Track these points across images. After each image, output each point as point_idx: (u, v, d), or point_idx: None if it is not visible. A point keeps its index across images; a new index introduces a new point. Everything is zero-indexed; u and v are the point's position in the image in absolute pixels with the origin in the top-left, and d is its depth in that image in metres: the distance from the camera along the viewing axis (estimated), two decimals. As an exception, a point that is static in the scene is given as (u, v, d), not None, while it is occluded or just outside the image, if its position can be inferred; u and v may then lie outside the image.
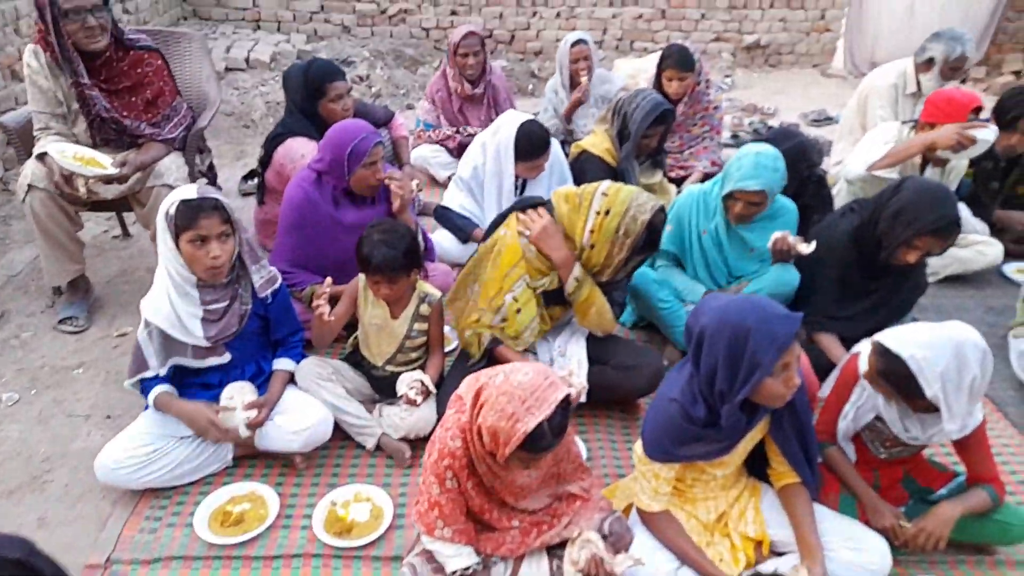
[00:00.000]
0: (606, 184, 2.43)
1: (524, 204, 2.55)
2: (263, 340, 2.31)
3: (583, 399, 2.52)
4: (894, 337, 1.90)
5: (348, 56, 6.09)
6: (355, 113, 3.63)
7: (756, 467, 2.13)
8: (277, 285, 2.23)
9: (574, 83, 4.46)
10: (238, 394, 2.17)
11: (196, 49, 3.35)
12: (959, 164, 3.60)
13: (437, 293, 2.54)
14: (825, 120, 6.04)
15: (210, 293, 2.11)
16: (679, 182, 4.32)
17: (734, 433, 1.90)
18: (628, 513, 2.09)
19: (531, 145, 3.22)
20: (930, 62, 4.31)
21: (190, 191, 2.01)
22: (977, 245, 3.62)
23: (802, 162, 3.31)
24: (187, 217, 2.00)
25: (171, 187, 2.74)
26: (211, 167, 3.36)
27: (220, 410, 2.15)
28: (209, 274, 2.07)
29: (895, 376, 1.89)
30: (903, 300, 2.89)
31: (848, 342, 2.64)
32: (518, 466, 1.77)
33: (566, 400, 1.71)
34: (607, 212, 2.36)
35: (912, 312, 3.37)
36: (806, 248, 2.77)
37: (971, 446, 2.05)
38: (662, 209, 2.39)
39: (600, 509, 1.97)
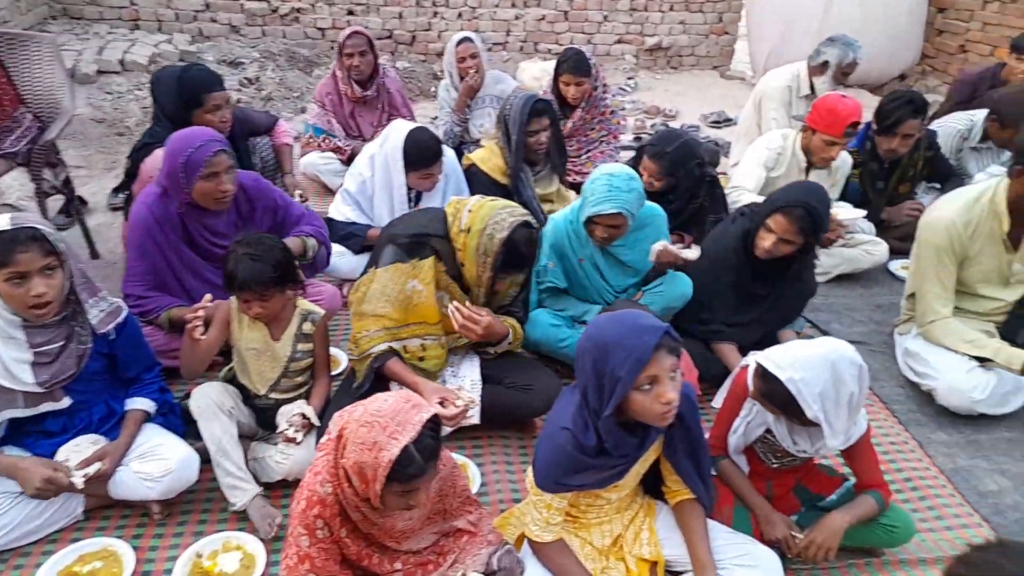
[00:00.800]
0: (474, 200, 2.34)
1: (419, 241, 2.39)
2: (111, 379, 2.06)
3: (476, 420, 2.42)
4: (773, 359, 1.91)
5: (237, 57, 5.78)
6: (234, 120, 3.40)
7: (651, 484, 2.08)
8: (121, 318, 2.00)
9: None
10: (74, 455, 1.93)
11: (46, 53, 3.04)
12: (843, 166, 3.69)
13: (320, 311, 2.37)
14: (724, 122, 6.17)
15: (40, 334, 1.86)
16: (578, 187, 4.29)
17: (625, 458, 1.83)
18: (521, 542, 2.00)
19: (420, 153, 3.08)
20: (824, 65, 4.44)
21: (2, 221, 1.76)
22: (864, 245, 3.72)
23: (690, 160, 3.31)
24: (0, 252, 1.75)
25: (15, 208, 2.45)
26: (67, 182, 3.05)
27: (56, 468, 1.91)
28: (33, 314, 1.83)
29: (777, 397, 1.90)
30: (794, 303, 2.93)
31: (745, 349, 2.65)
32: (396, 504, 1.64)
33: (434, 420, 1.61)
34: (468, 230, 2.28)
35: (805, 313, 3.45)
36: (691, 254, 2.76)
37: (857, 455, 2.07)
38: (526, 224, 2.30)
39: (488, 543, 1.87)
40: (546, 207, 3.47)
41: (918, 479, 2.49)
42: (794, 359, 1.89)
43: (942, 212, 2.86)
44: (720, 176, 3.69)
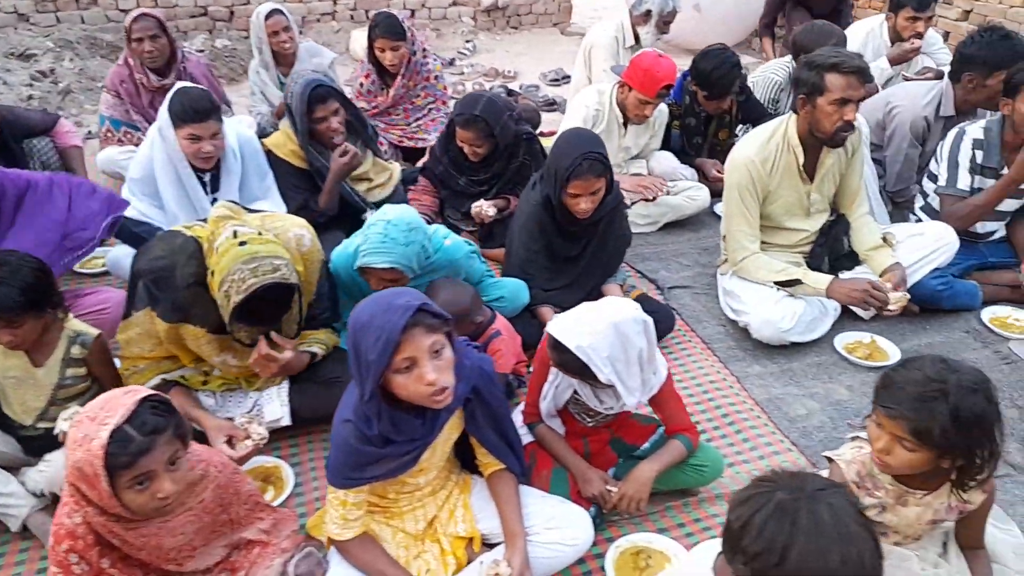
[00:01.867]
0: (224, 235, 2.00)
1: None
2: None
3: (286, 421, 2.29)
4: (560, 329, 1.91)
5: (27, 49, 5.19)
6: (2, 123, 3.03)
7: (468, 459, 2.04)
8: None
9: (278, 59, 4.12)
10: None
11: None
12: (661, 116, 3.75)
13: (93, 332, 2.15)
14: (564, 79, 6.16)
15: None
16: (409, 152, 4.22)
17: (415, 443, 1.76)
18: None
19: (185, 105, 2.68)
20: (647, 15, 4.47)
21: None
22: (686, 191, 3.81)
23: (503, 114, 3.24)
24: None
25: None
26: None
27: None
28: None
29: (570, 365, 1.91)
30: (611, 257, 2.95)
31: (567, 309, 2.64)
32: (141, 504, 1.46)
33: (155, 399, 1.50)
34: (213, 272, 2.01)
35: (634, 263, 3.50)
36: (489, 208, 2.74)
37: (661, 403, 2.11)
38: (274, 286, 1.96)
39: (282, 551, 1.76)
40: (362, 187, 3.31)
41: (735, 414, 2.58)
42: (581, 326, 1.90)
43: (741, 151, 2.94)
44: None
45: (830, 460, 1.78)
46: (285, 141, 3.11)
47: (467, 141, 3.27)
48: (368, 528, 1.84)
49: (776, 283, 2.89)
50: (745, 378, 2.76)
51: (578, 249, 2.84)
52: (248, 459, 2.09)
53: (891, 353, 2.85)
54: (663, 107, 3.76)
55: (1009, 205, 3.10)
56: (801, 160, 2.89)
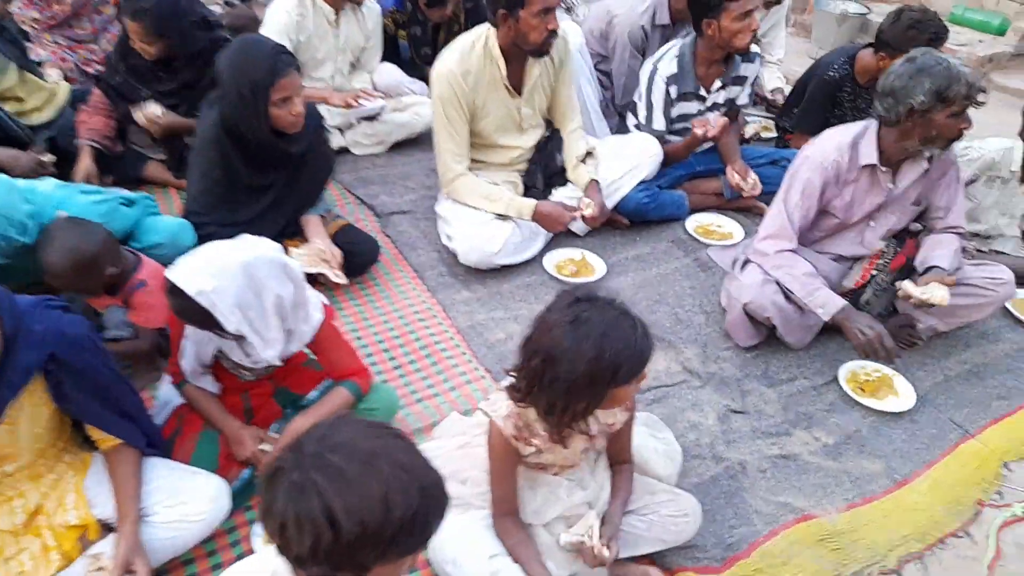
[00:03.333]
0: None
1: None
2: None
3: None
4: (181, 271, 1.63)
5: None
6: None
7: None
8: None
9: None
10: None
11: None
12: (371, 14, 3.44)
13: None
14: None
15: None
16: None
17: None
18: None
19: None
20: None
21: None
22: (414, 107, 3.57)
23: (182, 19, 2.78)
24: None
25: None
26: None
27: None
28: None
29: (192, 314, 1.65)
30: (310, 186, 2.65)
31: None
32: None
33: None
34: None
35: (353, 188, 3.25)
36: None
37: (320, 349, 1.93)
38: None
39: None
40: (9, 107, 2.73)
41: (433, 344, 2.47)
42: (204, 269, 1.63)
43: (442, 63, 2.73)
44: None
45: (486, 415, 1.68)
46: None
47: (135, 33, 2.77)
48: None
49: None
50: (451, 305, 2.65)
51: (269, 178, 2.52)
52: None
53: (598, 268, 2.86)
54: (374, 4, 3.45)
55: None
56: (504, 72, 2.74)
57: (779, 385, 2.41)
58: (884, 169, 2.35)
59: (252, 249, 1.70)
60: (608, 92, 3.64)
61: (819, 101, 3.25)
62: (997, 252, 2.97)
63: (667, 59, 3.01)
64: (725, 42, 2.86)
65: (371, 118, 3.44)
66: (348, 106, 3.23)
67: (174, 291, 1.63)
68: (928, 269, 2.34)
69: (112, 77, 2.99)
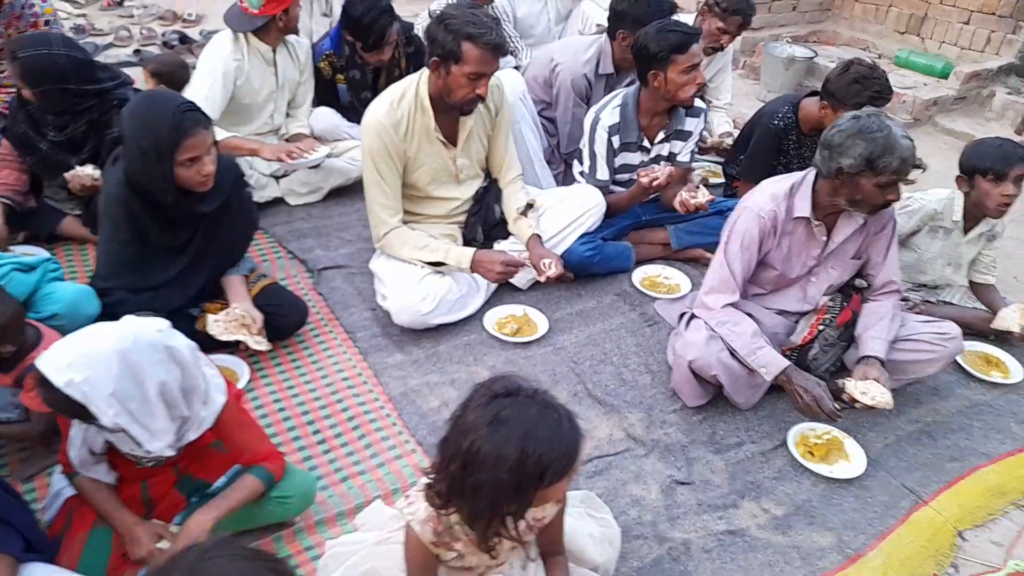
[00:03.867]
0: None
1: None
2: None
3: None
4: (49, 360, 1.47)
5: None
6: None
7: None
8: None
9: None
10: None
11: None
12: (299, 47, 3.34)
13: None
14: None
15: None
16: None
17: None
18: None
19: None
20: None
21: None
22: (349, 152, 3.44)
23: (59, 61, 2.54)
24: None
25: None
26: None
27: None
28: None
29: (65, 407, 1.48)
30: (231, 241, 2.49)
31: (178, 316, 2.17)
32: None
33: None
34: None
35: (284, 240, 3.10)
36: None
37: (224, 434, 1.76)
38: None
39: None
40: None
41: (362, 415, 2.31)
42: (75, 357, 1.47)
43: (370, 113, 2.62)
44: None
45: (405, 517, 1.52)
46: None
47: (18, 83, 2.60)
48: None
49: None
50: (383, 370, 2.50)
51: (181, 238, 2.36)
52: None
53: (540, 325, 2.74)
54: (302, 41, 3.37)
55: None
56: (433, 123, 2.63)
57: (726, 451, 2.30)
58: (817, 223, 2.29)
59: (131, 332, 1.53)
60: (554, 139, 3.56)
61: (764, 149, 3.21)
62: (945, 303, 2.93)
63: (609, 109, 2.94)
64: (671, 95, 2.81)
65: (315, 167, 3.31)
66: (281, 160, 3.09)
67: (42, 382, 1.46)
68: (863, 358, 2.29)
69: (15, 126, 2.80)
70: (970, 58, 5.28)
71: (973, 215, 2.70)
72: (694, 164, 3.88)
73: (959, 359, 2.70)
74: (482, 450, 1.29)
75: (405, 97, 2.61)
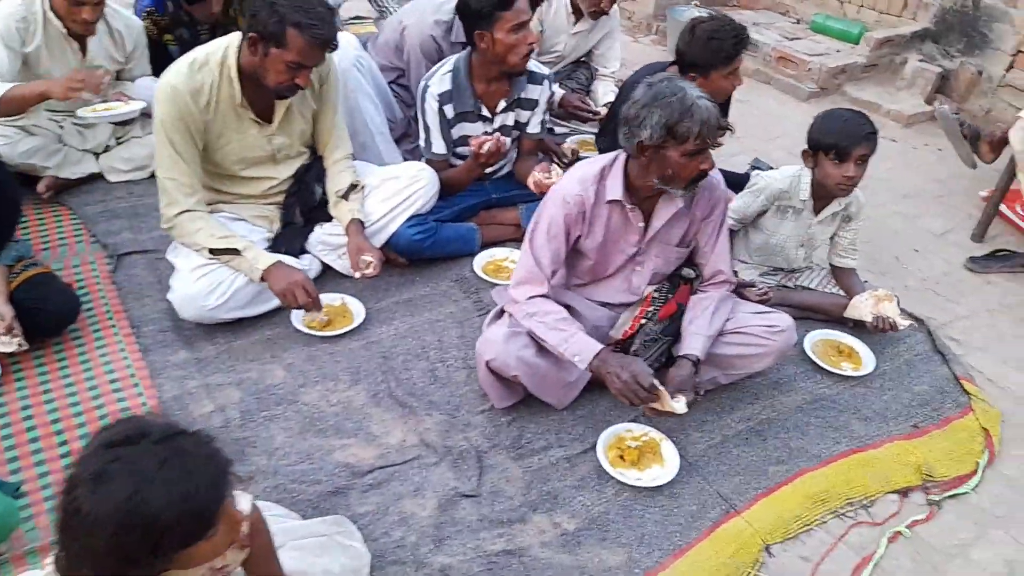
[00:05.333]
0: None
1: None
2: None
3: None
4: None
5: None
6: None
7: None
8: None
9: None
10: None
11: None
12: (130, 31, 3.01)
13: None
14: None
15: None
16: None
17: None
18: None
19: None
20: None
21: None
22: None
23: None
24: None
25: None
26: None
27: None
28: None
29: None
30: None
31: None
32: None
33: None
34: None
35: (95, 222, 2.82)
36: None
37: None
38: None
39: None
40: None
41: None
42: None
43: (164, 78, 2.31)
44: None
45: None
46: None
47: None
48: None
49: (210, 250, 2.36)
50: (162, 370, 2.24)
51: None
52: None
53: (357, 314, 2.50)
54: (133, 20, 3.03)
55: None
56: (240, 98, 2.34)
57: (529, 457, 2.10)
58: (630, 206, 2.06)
59: None
60: (412, 110, 3.28)
61: (625, 122, 2.96)
62: (803, 287, 2.73)
63: (439, 75, 2.68)
64: (500, 57, 2.56)
65: (126, 123, 3.00)
66: (74, 98, 2.63)
67: None
68: (677, 358, 2.10)
69: None
70: (888, 23, 5.05)
71: (822, 194, 2.48)
72: (570, 136, 3.69)
73: (808, 349, 2.51)
74: (80, 511, 1.04)
75: (209, 63, 2.30)
